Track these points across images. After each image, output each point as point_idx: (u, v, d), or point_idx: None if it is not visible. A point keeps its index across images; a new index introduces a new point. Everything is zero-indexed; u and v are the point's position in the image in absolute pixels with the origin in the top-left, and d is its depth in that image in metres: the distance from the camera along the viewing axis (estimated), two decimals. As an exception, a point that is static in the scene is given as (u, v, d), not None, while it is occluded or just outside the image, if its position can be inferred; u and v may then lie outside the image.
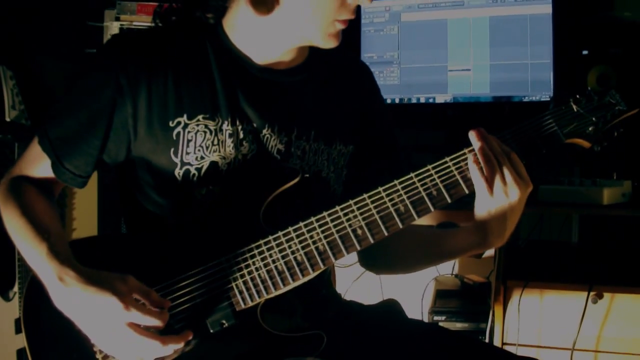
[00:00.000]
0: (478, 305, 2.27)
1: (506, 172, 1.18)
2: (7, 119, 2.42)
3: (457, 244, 1.32)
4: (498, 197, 1.19)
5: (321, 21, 1.24)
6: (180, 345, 1.16)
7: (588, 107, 1.27)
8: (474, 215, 1.24)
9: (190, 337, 1.19)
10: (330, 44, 1.28)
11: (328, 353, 1.24)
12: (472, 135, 1.21)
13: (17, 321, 2.42)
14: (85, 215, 2.89)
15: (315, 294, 1.38)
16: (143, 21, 2.43)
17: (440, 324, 2.23)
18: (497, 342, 2.06)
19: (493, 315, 2.08)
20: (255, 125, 1.30)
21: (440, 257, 1.40)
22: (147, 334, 1.12)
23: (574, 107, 1.26)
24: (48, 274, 1.16)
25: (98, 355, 1.24)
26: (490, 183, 1.18)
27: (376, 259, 1.51)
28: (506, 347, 2.05)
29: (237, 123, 1.29)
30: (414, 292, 2.55)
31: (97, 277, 1.13)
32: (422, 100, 2.47)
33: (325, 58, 1.41)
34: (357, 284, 2.67)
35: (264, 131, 1.31)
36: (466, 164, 1.21)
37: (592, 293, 1.98)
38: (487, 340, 2.11)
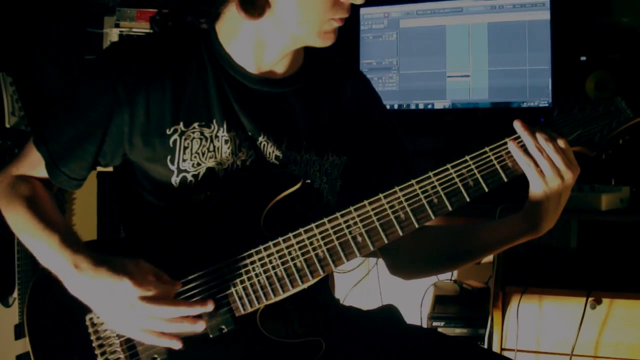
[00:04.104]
0: (477, 310, 2.27)
1: (556, 157, 1.18)
2: (7, 125, 2.42)
3: (505, 234, 1.30)
4: (552, 183, 1.19)
5: (314, 21, 1.24)
6: (193, 310, 1.16)
7: (593, 114, 1.24)
8: (529, 203, 1.23)
9: (206, 308, 1.18)
10: (326, 42, 1.28)
11: (326, 358, 1.24)
12: (518, 125, 1.20)
13: (17, 327, 2.42)
14: (84, 221, 2.89)
15: (313, 300, 1.38)
16: (143, 28, 2.44)
17: (439, 329, 2.23)
18: (495, 348, 2.06)
19: (492, 320, 2.08)
20: (250, 133, 1.31)
21: (482, 251, 1.36)
22: (160, 302, 1.13)
23: (579, 114, 1.24)
24: (62, 263, 1.18)
25: (99, 359, 1.25)
26: (542, 171, 1.18)
27: (404, 264, 1.49)
28: (505, 353, 2.05)
29: (233, 130, 1.29)
30: (413, 298, 2.55)
31: (110, 261, 1.15)
32: (421, 107, 2.48)
33: (320, 67, 1.41)
34: (356, 289, 2.68)
35: (260, 139, 1.31)
36: (468, 171, 1.19)
37: (590, 298, 1.99)
38: (485, 346, 2.11)
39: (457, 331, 2.24)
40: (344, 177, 1.42)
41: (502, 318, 2.07)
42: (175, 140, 1.27)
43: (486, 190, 1.20)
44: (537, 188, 1.20)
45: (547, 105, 2.31)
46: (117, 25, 2.46)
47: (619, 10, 2.48)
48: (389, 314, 1.48)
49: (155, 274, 1.17)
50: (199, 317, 1.18)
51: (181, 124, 1.27)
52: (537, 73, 2.33)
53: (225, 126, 1.29)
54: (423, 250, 1.42)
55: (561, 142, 1.19)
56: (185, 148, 1.27)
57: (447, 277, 2.64)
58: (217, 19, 1.32)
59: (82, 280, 1.16)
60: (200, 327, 1.17)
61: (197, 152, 1.27)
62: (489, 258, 2.30)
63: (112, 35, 2.45)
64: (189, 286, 1.23)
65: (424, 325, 2.34)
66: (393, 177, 1.23)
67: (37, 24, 2.79)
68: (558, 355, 2.04)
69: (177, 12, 1.34)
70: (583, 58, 2.36)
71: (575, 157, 1.23)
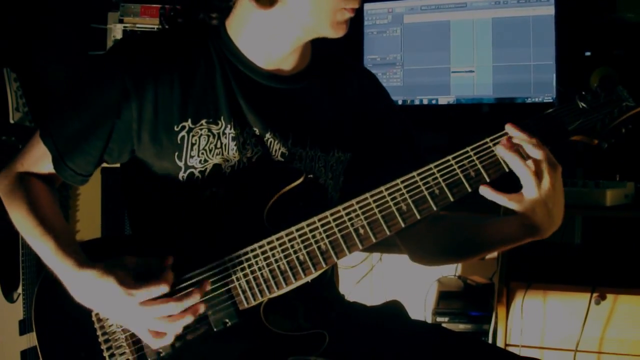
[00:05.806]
0: (481, 306, 2.28)
1: (541, 159, 1.16)
2: (11, 121, 2.43)
3: (506, 235, 1.29)
4: (544, 184, 1.18)
5: (326, 10, 1.24)
6: (196, 299, 1.18)
7: (594, 103, 1.22)
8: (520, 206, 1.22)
9: (204, 290, 1.21)
10: (338, 32, 1.28)
11: (331, 352, 1.25)
12: (510, 128, 1.18)
13: (21, 322, 2.42)
14: (88, 217, 2.90)
15: (318, 295, 1.39)
16: (146, 23, 2.44)
17: (444, 325, 2.23)
18: (500, 343, 2.06)
19: (496, 316, 2.08)
20: (256, 130, 1.31)
21: (490, 247, 1.37)
22: (159, 302, 1.16)
23: (580, 103, 1.22)
24: (60, 267, 1.21)
25: (105, 354, 1.25)
26: (538, 173, 1.17)
27: (422, 253, 1.49)
28: (509, 348, 2.05)
29: (239, 127, 1.30)
30: (418, 293, 2.55)
31: (99, 267, 1.17)
32: (425, 102, 2.47)
33: (328, 65, 1.42)
34: (361, 285, 2.68)
35: (267, 135, 1.32)
36: (469, 162, 1.19)
37: (595, 294, 1.98)
38: (490, 342, 2.11)
39: (462, 327, 2.24)
40: (345, 173, 1.43)
41: (507, 314, 2.07)
42: (183, 137, 1.27)
43: (487, 180, 1.19)
44: (530, 192, 1.18)
45: (551, 100, 2.30)
46: (121, 21, 2.45)
47: (624, 5, 2.48)
48: (393, 310, 1.48)
49: (141, 265, 1.20)
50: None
51: (189, 120, 1.27)
52: (541, 68, 2.32)
53: (232, 123, 1.29)
54: (440, 240, 1.43)
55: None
56: (193, 145, 1.27)
57: (451, 273, 2.64)
58: (228, 14, 1.32)
59: (78, 286, 1.20)
60: (201, 310, 1.19)
61: (204, 148, 1.28)
62: (494, 253, 2.30)
63: (116, 31, 2.45)
64: (192, 281, 1.23)
65: (429, 321, 2.34)
66: (407, 167, 1.23)
67: (41, 20, 2.79)
68: (562, 350, 2.03)
69: (190, 8, 1.35)
70: (588, 53, 2.36)
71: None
